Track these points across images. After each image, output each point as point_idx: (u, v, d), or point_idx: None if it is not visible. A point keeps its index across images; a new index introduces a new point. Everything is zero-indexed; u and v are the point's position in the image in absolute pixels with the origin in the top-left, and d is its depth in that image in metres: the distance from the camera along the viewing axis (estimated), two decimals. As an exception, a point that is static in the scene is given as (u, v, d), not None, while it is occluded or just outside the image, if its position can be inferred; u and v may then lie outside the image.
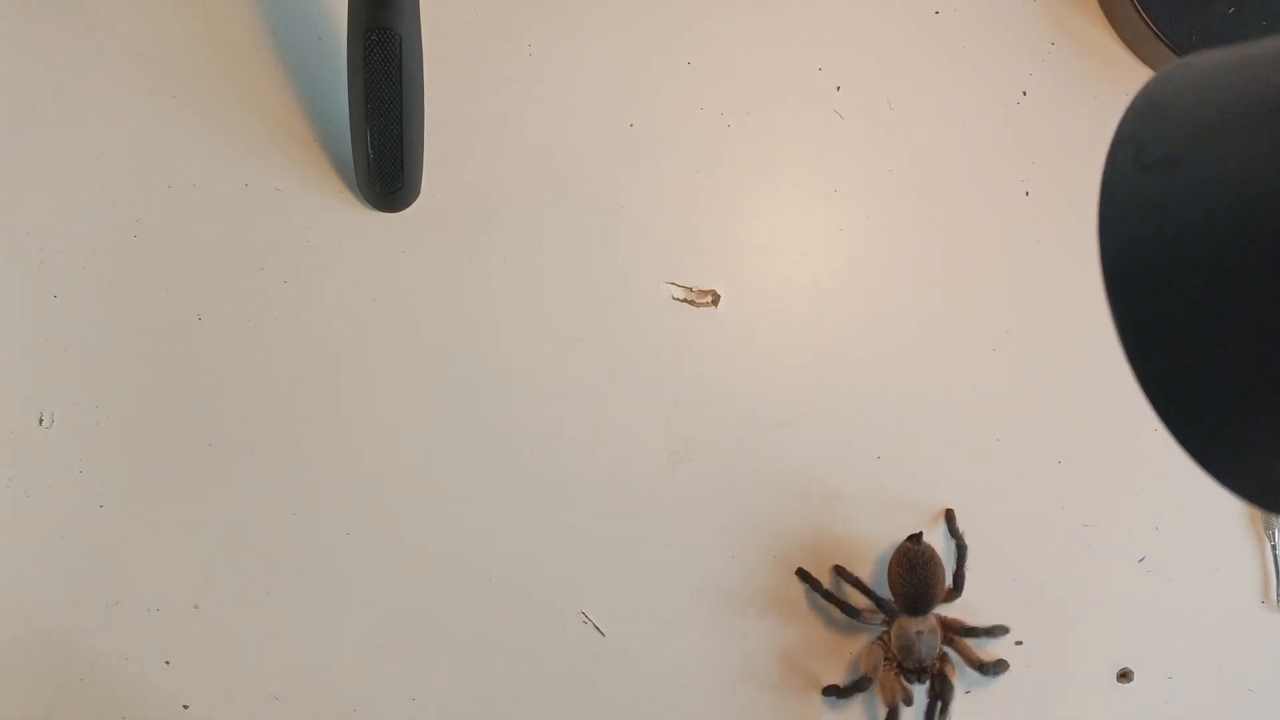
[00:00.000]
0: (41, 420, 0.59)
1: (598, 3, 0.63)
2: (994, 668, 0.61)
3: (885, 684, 0.60)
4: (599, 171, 0.62)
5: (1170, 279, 0.23)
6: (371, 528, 0.61)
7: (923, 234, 0.64)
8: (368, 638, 0.61)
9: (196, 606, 0.60)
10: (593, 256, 0.62)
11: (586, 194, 0.62)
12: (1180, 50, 0.61)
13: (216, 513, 0.60)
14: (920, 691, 0.60)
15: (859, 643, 0.63)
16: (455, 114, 0.61)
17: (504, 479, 0.61)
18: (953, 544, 0.62)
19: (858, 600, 0.61)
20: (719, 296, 0.62)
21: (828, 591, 0.61)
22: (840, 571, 0.61)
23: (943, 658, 0.60)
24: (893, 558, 0.61)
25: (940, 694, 0.59)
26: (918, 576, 0.59)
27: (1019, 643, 0.64)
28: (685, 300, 0.62)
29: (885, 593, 0.61)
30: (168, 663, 0.60)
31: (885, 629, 0.61)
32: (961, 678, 0.62)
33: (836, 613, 0.61)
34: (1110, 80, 0.65)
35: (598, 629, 0.62)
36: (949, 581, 0.61)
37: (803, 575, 0.62)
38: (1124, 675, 0.64)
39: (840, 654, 0.63)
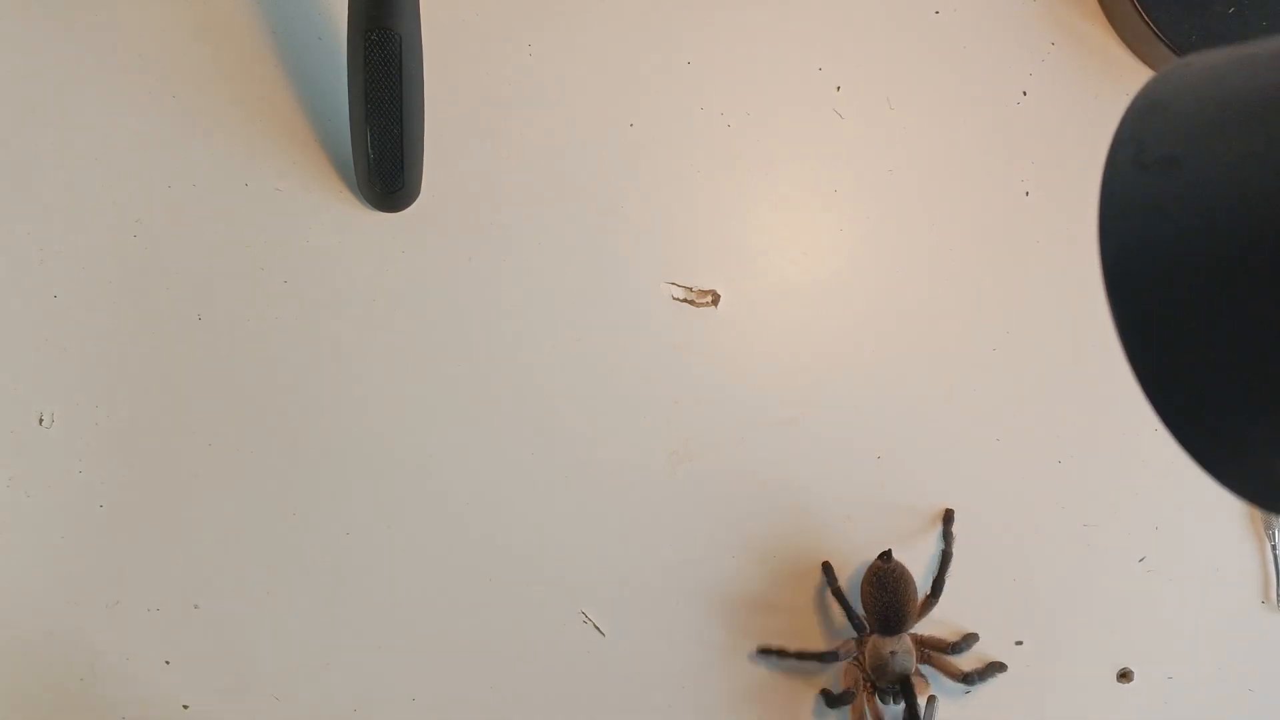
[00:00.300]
0: (41, 420, 0.59)
1: (598, 3, 0.63)
2: (980, 674, 0.60)
3: (858, 706, 0.60)
4: (599, 171, 0.62)
5: (1170, 279, 0.23)
6: (371, 528, 0.61)
7: (923, 234, 0.64)
8: (368, 638, 0.61)
9: (196, 606, 0.60)
10: (593, 256, 0.62)
11: (586, 194, 0.62)
12: (1180, 50, 0.61)
13: (216, 512, 0.60)
14: (897, 713, 0.60)
15: (859, 643, 0.63)
16: (455, 114, 0.61)
17: (504, 479, 0.61)
18: (951, 544, 0.62)
19: (831, 641, 0.61)
20: (719, 296, 0.62)
21: (799, 653, 0.60)
22: (828, 571, 0.61)
23: (917, 673, 0.60)
24: (864, 576, 0.61)
25: (907, 701, 0.59)
26: (889, 595, 0.59)
27: (1019, 643, 0.64)
28: (685, 300, 0.62)
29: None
30: (168, 663, 0.60)
31: (860, 650, 0.61)
32: (944, 688, 0.62)
33: (836, 613, 0.61)
34: (1110, 80, 0.65)
35: (598, 629, 0.62)
36: (927, 589, 0.61)
37: (765, 651, 0.61)
38: (1124, 675, 0.64)
39: (840, 654, 0.63)
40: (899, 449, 0.63)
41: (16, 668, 0.59)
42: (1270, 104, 0.22)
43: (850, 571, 0.62)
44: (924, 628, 0.62)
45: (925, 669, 0.61)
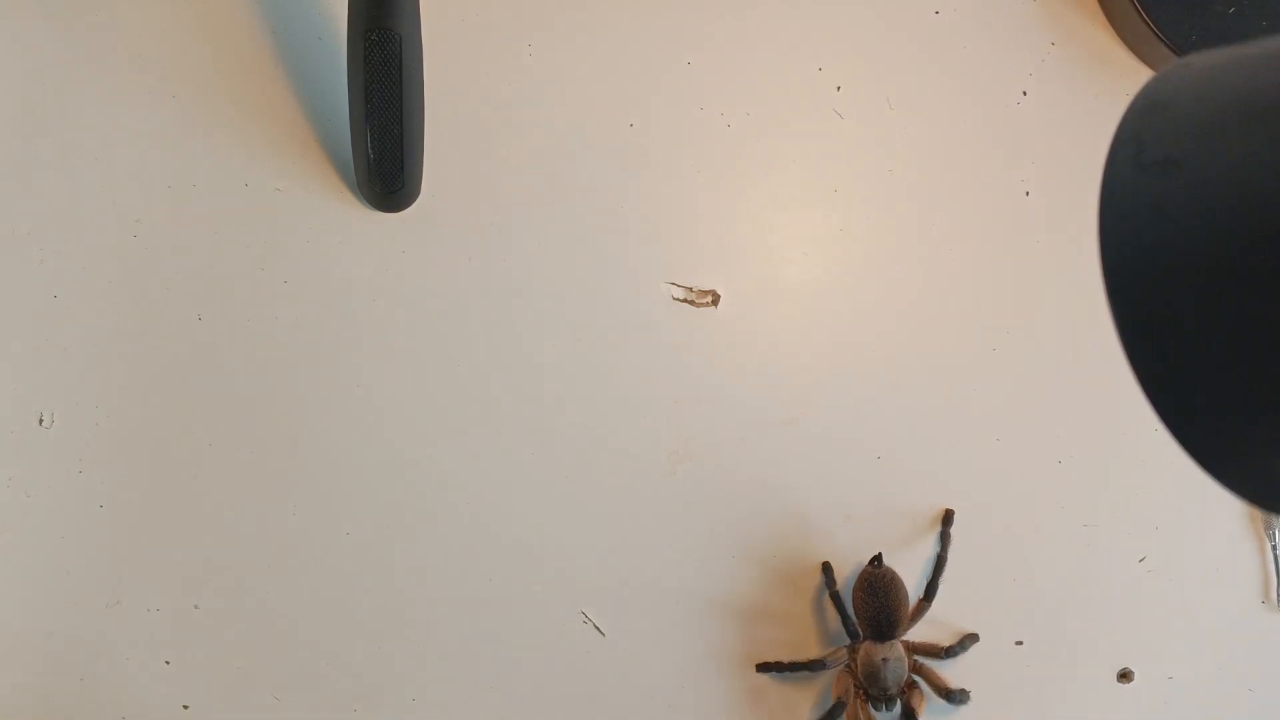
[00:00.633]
0: (41, 420, 0.59)
1: (598, 3, 0.63)
2: (958, 696, 0.60)
3: (851, 713, 0.60)
4: (599, 171, 0.62)
5: (1170, 279, 0.23)
6: (371, 528, 0.61)
7: (923, 234, 0.64)
8: (368, 638, 0.61)
9: (196, 606, 0.60)
10: (593, 256, 0.62)
11: (586, 194, 0.62)
12: (1180, 50, 0.61)
13: (216, 512, 0.60)
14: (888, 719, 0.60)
15: (859, 643, 0.63)
16: (455, 114, 0.61)
17: (504, 479, 0.61)
18: (947, 548, 0.62)
19: (822, 650, 0.61)
20: (719, 296, 0.62)
21: (793, 664, 0.60)
22: (828, 572, 0.61)
23: (911, 685, 0.60)
24: (855, 582, 0.60)
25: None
26: (880, 600, 0.59)
27: (1019, 643, 0.64)
28: (685, 300, 0.62)
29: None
30: (168, 663, 0.60)
31: (851, 658, 0.60)
32: (933, 701, 0.62)
33: (833, 616, 0.61)
34: (1110, 80, 0.65)
35: (598, 629, 0.62)
36: (920, 592, 0.61)
37: (764, 668, 0.61)
38: (1124, 675, 0.64)
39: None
40: (899, 449, 0.63)
41: (16, 668, 0.59)
42: (1270, 104, 0.22)
43: (849, 572, 0.62)
44: (920, 630, 0.62)
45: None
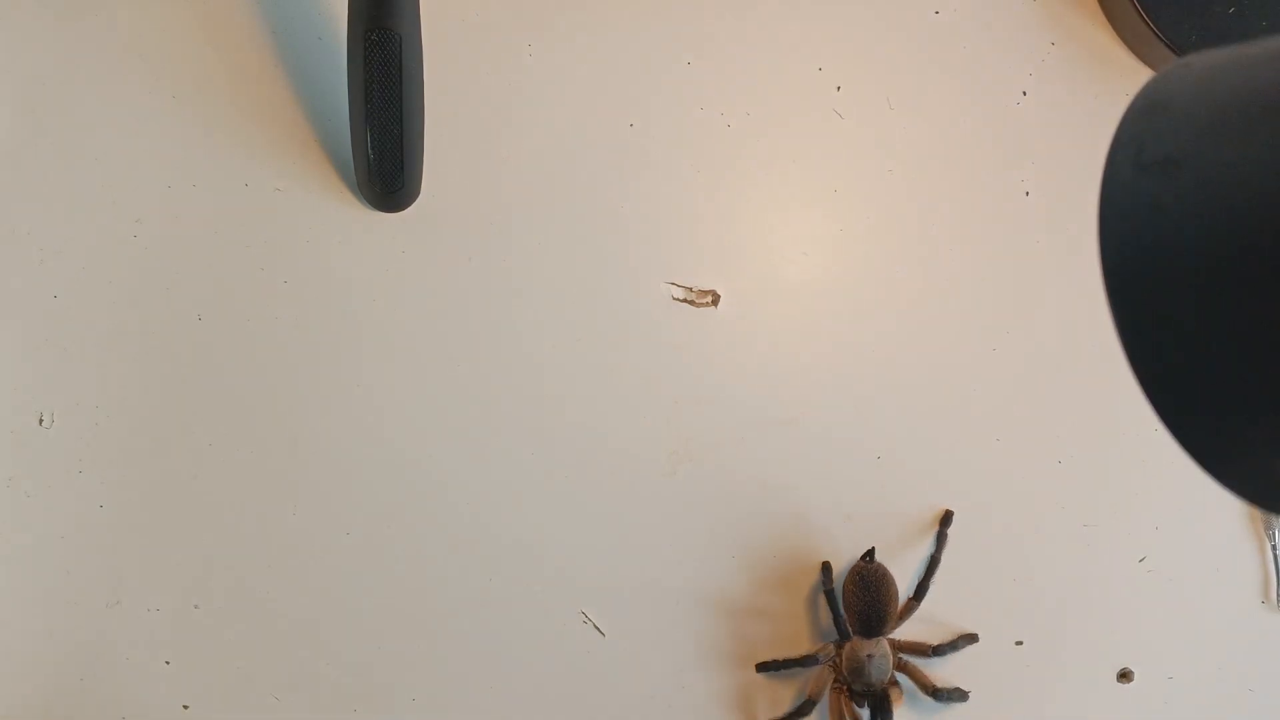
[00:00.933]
0: (41, 420, 0.59)
1: (598, 3, 0.63)
2: (948, 694, 0.60)
3: (834, 706, 0.60)
4: (599, 171, 0.62)
5: (1170, 280, 0.23)
6: (371, 528, 0.61)
7: (923, 234, 0.64)
8: (368, 638, 0.61)
9: (196, 606, 0.60)
10: (593, 256, 0.62)
11: (587, 194, 0.62)
12: (1180, 50, 0.61)
13: (216, 513, 0.60)
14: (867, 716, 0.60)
15: (859, 643, 0.63)
16: (455, 114, 0.61)
17: (504, 479, 0.61)
18: (942, 548, 0.62)
19: (811, 645, 0.61)
20: (719, 296, 0.62)
21: (786, 661, 0.60)
22: (826, 572, 0.61)
23: (893, 682, 0.60)
24: (847, 576, 0.61)
25: (881, 715, 0.59)
26: (871, 595, 0.59)
27: (1019, 643, 0.64)
28: (685, 300, 0.62)
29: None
30: (168, 663, 0.60)
31: (837, 653, 0.61)
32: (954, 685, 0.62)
33: (825, 614, 0.61)
34: (1110, 80, 0.65)
35: (598, 629, 0.62)
36: (910, 592, 0.61)
37: (763, 667, 0.61)
38: (1124, 675, 0.64)
39: (840, 654, 0.63)
40: (899, 449, 0.63)
41: (16, 668, 0.59)
42: (1270, 104, 0.22)
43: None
44: (918, 630, 0.62)
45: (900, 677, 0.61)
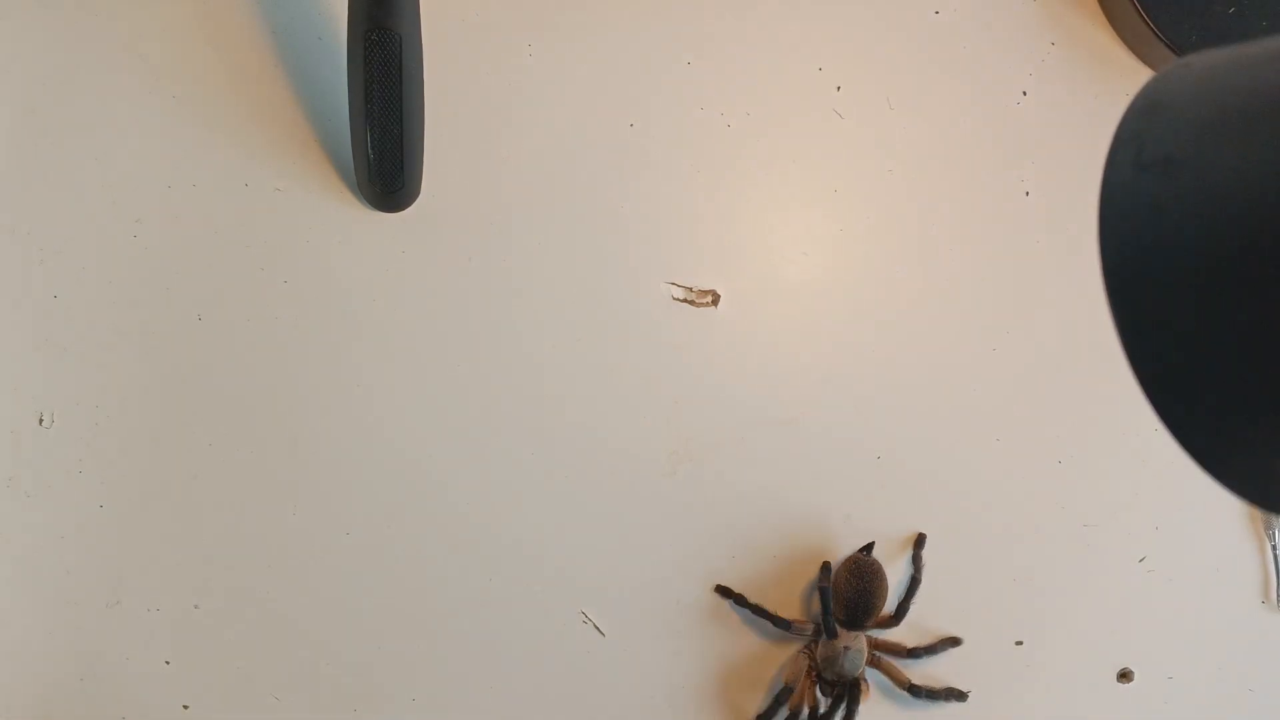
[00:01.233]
0: (41, 420, 0.59)
1: (598, 2, 0.63)
2: (930, 692, 0.60)
3: (798, 693, 0.60)
4: (599, 171, 0.62)
5: (1170, 280, 0.23)
6: (371, 528, 0.61)
7: (923, 234, 0.64)
8: (368, 638, 0.61)
9: (196, 606, 0.60)
10: (593, 256, 0.62)
11: (586, 194, 0.62)
12: (1180, 50, 0.61)
13: (216, 513, 0.60)
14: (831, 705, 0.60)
15: (859, 643, 0.63)
16: (455, 114, 0.61)
17: (504, 479, 0.61)
18: (920, 570, 0.62)
19: (789, 612, 0.61)
20: (719, 296, 0.62)
21: (756, 606, 0.61)
22: (826, 571, 0.61)
23: (862, 678, 0.60)
24: (841, 564, 0.61)
25: (847, 705, 0.59)
26: (862, 584, 0.60)
27: (1019, 643, 0.64)
28: (685, 300, 0.62)
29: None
30: (168, 663, 0.60)
31: (813, 640, 0.61)
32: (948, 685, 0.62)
33: (816, 610, 0.61)
34: (1110, 80, 0.65)
35: (598, 629, 0.62)
36: (892, 607, 0.61)
37: (723, 592, 0.61)
38: (1124, 675, 0.64)
39: (840, 654, 0.63)
40: (899, 449, 0.63)
41: (16, 668, 0.59)
42: (1270, 104, 0.22)
43: (850, 571, 0.62)
44: (900, 634, 0.62)
45: (873, 674, 0.61)
